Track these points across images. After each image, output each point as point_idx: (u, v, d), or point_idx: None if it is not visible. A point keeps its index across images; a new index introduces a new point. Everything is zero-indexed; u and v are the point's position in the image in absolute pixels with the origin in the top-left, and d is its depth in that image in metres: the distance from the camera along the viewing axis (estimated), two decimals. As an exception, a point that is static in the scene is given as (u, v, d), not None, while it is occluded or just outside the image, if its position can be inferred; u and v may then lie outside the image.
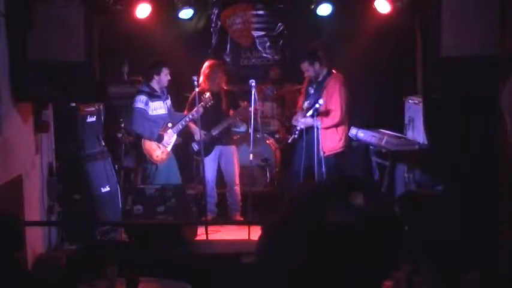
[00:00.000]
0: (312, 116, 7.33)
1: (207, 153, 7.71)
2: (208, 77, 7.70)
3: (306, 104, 7.53)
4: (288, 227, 1.84)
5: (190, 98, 7.81)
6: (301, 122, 7.43)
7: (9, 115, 6.03)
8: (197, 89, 7.49)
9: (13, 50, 6.00)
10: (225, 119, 7.82)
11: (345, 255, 1.90)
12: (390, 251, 1.96)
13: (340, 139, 7.51)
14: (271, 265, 1.91)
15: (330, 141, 7.44)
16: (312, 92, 7.55)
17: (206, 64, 7.80)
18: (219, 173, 8.00)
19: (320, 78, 7.52)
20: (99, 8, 6.69)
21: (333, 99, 7.40)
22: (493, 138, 6.40)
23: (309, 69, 7.45)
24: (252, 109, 7.57)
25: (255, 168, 8.25)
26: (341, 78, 7.50)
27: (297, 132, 7.47)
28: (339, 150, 7.50)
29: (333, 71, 7.54)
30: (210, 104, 7.54)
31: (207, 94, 7.57)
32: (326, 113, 7.39)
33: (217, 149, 7.85)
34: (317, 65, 7.43)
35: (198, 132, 7.63)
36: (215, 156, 7.86)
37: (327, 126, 7.41)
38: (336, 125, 7.46)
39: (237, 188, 7.92)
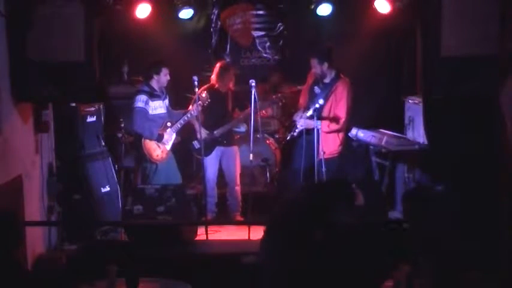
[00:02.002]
0: (312, 116, 7.32)
1: (208, 153, 7.73)
2: (220, 76, 7.75)
3: (310, 105, 7.49)
4: (288, 228, 1.84)
5: (194, 98, 7.83)
6: (302, 122, 7.42)
7: (9, 115, 6.03)
8: (196, 89, 7.49)
9: (13, 50, 6.00)
10: (229, 121, 7.84)
11: (346, 255, 1.90)
12: (388, 252, 1.97)
13: (340, 144, 7.52)
14: (272, 265, 1.91)
15: (330, 144, 7.43)
16: (318, 92, 7.53)
17: (219, 63, 7.90)
18: (220, 172, 8.00)
19: (327, 80, 7.49)
20: (99, 8, 6.69)
21: (340, 105, 7.39)
22: (493, 138, 6.40)
23: (316, 67, 7.42)
24: (252, 110, 7.57)
25: (255, 168, 8.25)
26: (349, 83, 7.47)
27: (296, 131, 7.46)
28: (336, 155, 7.50)
29: (341, 75, 7.51)
30: (207, 102, 7.57)
31: (205, 93, 7.59)
32: (330, 118, 7.38)
33: (219, 149, 7.87)
34: (325, 65, 7.40)
35: (202, 131, 7.63)
36: (216, 156, 7.87)
37: (329, 130, 7.39)
38: (338, 131, 7.45)
39: (238, 189, 7.93)
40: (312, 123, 7.34)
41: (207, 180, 7.71)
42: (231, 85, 7.91)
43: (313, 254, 1.86)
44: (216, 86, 7.76)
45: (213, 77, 7.78)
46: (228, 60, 9.54)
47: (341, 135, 7.53)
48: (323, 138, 7.37)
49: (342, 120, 7.41)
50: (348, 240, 1.88)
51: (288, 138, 7.67)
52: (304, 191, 2.04)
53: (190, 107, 7.80)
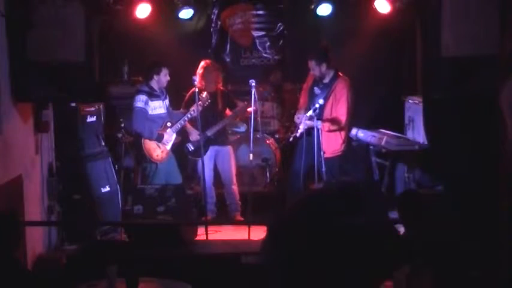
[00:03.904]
0: (312, 116, 7.31)
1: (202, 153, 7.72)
2: (203, 77, 7.71)
3: (311, 105, 7.48)
4: (291, 229, 1.85)
5: (186, 97, 7.83)
6: (303, 123, 7.40)
7: (9, 115, 6.03)
8: (196, 89, 7.48)
9: (13, 50, 6.00)
10: (220, 120, 7.82)
11: (346, 256, 1.90)
12: (389, 254, 1.98)
13: (342, 142, 7.49)
14: (273, 265, 1.92)
15: (332, 144, 7.41)
16: (318, 92, 7.51)
17: (201, 64, 7.80)
18: (217, 173, 7.99)
19: (326, 80, 7.47)
20: (99, 8, 6.70)
21: (340, 104, 7.37)
22: (493, 138, 6.40)
23: (315, 69, 7.40)
24: (252, 109, 7.56)
25: (255, 168, 8.24)
26: (348, 82, 7.44)
27: (298, 132, 7.44)
28: (339, 153, 7.48)
29: (340, 73, 7.49)
30: (207, 102, 7.56)
31: (205, 93, 7.58)
32: (332, 117, 7.36)
33: (213, 149, 7.85)
34: (324, 66, 7.37)
35: (193, 133, 7.64)
36: (211, 156, 7.85)
37: (331, 129, 7.38)
38: (340, 130, 7.44)
39: (235, 188, 7.91)
40: (312, 124, 7.33)
41: (203, 181, 7.70)
42: (218, 84, 7.87)
43: (315, 256, 1.86)
44: (203, 87, 7.71)
45: (198, 79, 7.72)
46: (228, 60, 9.55)
47: (343, 134, 7.51)
48: (325, 138, 7.35)
49: (344, 119, 7.39)
50: (349, 241, 1.88)
51: (291, 139, 7.65)
52: (309, 195, 2.04)
53: (182, 109, 7.79)
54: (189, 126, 7.73)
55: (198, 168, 7.75)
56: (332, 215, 1.78)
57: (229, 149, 7.98)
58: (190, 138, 7.77)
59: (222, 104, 7.87)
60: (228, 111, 7.94)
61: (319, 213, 1.80)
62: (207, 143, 7.77)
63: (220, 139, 7.88)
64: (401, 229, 4.94)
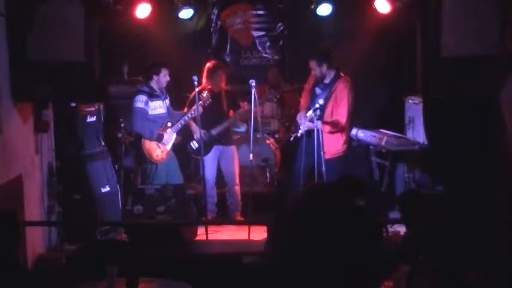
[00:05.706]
0: (312, 116, 7.29)
1: (206, 153, 7.71)
2: (209, 77, 7.73)
3: (311, 105, 7.46)
4: (290, 228, 1.84)
5: (190, 97, 7.83)
6: (305, 124, 7.37)
7: (9, 115, 6.03)
8: (197, 89, 7.49)
9: (13, 50, 6.01)
10: (225, 120, 7.83)
11: (345, 255, 1.91)
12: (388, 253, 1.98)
13: (344, 143, 7.45)
14: (274, 265, 1.92)
15: (333, 145, 7.35)
16: (319, 92, 7.49)
17: (208, 64, 7.81)
18: (219, 172, 8.00)
19: (327, 80, 7.43)
20: (99, 8, 6.70)
21: (341, 105, 7.33)
22: (493, 138, 6.40)
23: (315, 69, 7.36)
24: (252, 110, 7.56)
25: (255, 168, 8.24)
26: (349, 82, 7.39)
27: (299, 132, 7.42)
28: (341, 154, 7.44)
29: (341, 74, 7.46)
30: (208, 102, 7.56)
31: (205, 93, 7.59)
32: (332, 118, 7.34)
33: (217, 149, 7.86)
34: (324, 67, 7.32)
35: (197, 131, 7.63)
36: (215, 156, 7.86)
37: (331, 130, 7.35)
38: (340, 130, 7.41)
39: (237, 188, 7.92)
40: (312, 125, 7.30)
41: (206, 181, 7.70)
42: (223, 84, 7.88)
43: (315, 253, 1.86)
44: (208, 87, 7.73)
45: (203, 78, 7.75)
46: (228, 60, 9.55)
47: (344, 134, 7.46)
48: (326, 138, 7.30)
49: (344, 120, 7.36)
50: (349, 240, 1.88)
51: (291, 139, 7.64)
52: (307, 193, 2.04)
53: (186, 109, 7.80)
54: (193, 125, 7.72)
55: (202, 168, 7.75)
56: (333, 204, 1.78)
57: (233, 148, 7.99)
58: (195, 137, 7.76)
59: (226, 103, 7.88)
60: (231, 112, 7.95)
61: (320, 205, 1.79)
62: (212, 142, 7.78)
63: (224, 139, 7.89)
64: (403, 229, 4.94)
